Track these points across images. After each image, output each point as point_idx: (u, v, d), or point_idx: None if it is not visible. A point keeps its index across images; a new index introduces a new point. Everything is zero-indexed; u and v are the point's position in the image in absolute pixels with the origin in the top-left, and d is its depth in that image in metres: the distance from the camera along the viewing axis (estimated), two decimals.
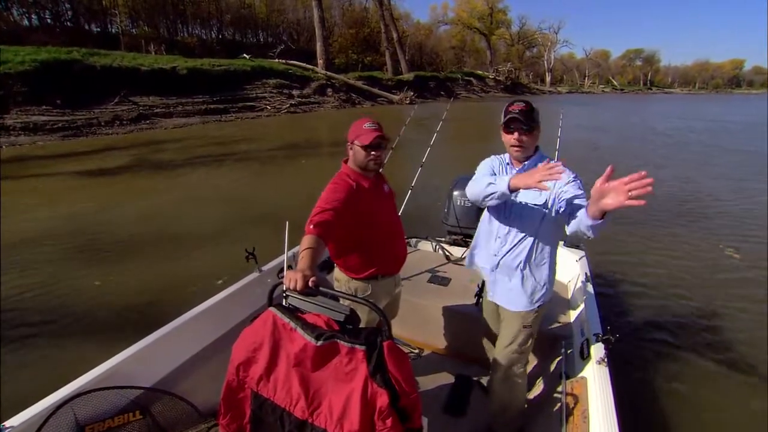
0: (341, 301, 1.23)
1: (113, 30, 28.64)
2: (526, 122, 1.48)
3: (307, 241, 1.36)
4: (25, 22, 25.35)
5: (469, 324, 2.18)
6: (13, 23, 23.83)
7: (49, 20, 26.12)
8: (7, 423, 1.19)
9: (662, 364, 2.84)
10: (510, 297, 1.67)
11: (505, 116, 1.52)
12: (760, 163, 10.22)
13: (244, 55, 25.79)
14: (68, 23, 26.72)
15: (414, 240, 3.14)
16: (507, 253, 1.63)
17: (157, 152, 11.12)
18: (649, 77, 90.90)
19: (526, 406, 1.85)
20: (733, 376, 2.73)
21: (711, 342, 3.10)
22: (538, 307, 1.64)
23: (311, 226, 1.41)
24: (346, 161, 1.71)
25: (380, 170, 1.78)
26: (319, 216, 1.46)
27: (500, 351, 1.73)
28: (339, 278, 1.80)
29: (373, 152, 1.61)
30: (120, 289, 3.79)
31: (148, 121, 15.85)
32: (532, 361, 2.14)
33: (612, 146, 13.31)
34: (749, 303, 3.65)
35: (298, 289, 1.15)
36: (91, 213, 5.97)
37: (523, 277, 1.62)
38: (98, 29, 28.59)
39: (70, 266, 4.25)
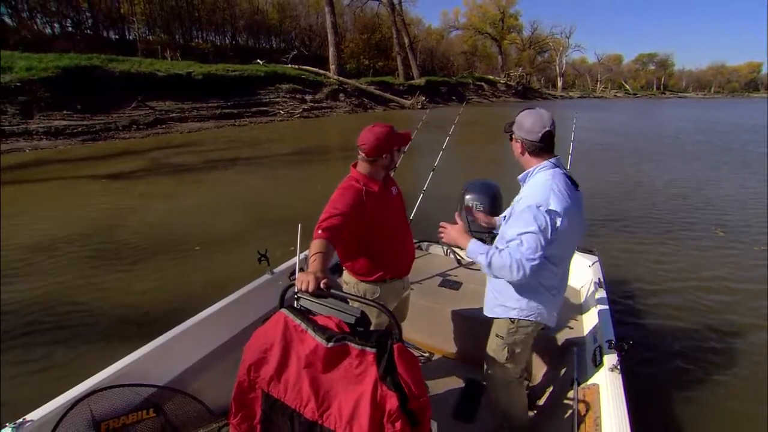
0: (351, 303, 1.24)
1: (130, 37, 29.42)
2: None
3: (316, 245, 1.38)
4: (48, 30, 26.25)
5: (479, 328, 2.16)
6: (37, 32, 24.69)
7: (70, 28, 26.98)
8: (28, 416, 1.23)
9: (677, 372, 2.76)
10: (486, 298, 1.71)
11: None
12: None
13: (258, 60, 26.20)
14: (88, 31, 27.54)
15: (425, 244, 3.13)
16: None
17: (177, 155, 11.34)
18: (662, 81, 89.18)
19: (534, 412, 1.82)
20: (752, 386, 2.64)
21: (729, 350, 3.01)
22: (510, 320, 1.57)
23: (320, 231, 1.43)
24: (355, 165, 1.72)
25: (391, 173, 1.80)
26: (328, 221, 1.47)
27: (486, 348, 1.73)
28: (347, 281, 1.81)
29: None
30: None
31: (164, 126, 16.19)
32: (543, 367, 2.12)
33: (617, 147, 13.22)
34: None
35: (309, 290, 1.17)
36: (120, 215, 6.13)
37: (494, 282, 1.63)
38: (116, 36, 29.38)
39: (113, 264, 4.41)
